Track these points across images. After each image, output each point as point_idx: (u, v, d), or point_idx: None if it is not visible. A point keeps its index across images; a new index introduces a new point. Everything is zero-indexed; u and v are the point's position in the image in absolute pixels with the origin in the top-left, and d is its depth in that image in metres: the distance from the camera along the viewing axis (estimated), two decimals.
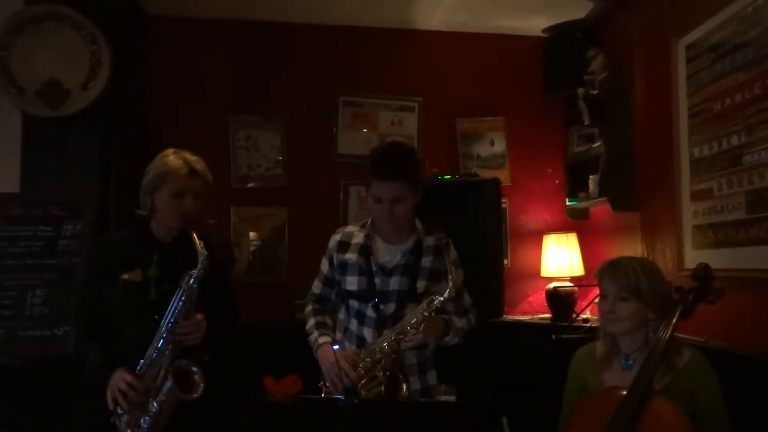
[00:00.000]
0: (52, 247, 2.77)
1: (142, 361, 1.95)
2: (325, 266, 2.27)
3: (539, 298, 3.79)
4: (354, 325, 2.17)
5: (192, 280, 1.95)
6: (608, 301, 1.91)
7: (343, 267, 2.18)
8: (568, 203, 3.83)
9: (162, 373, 1.93)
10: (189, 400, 1.91)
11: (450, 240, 2.18)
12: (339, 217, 3.74)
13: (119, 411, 1.94)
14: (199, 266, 1.95)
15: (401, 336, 2.01)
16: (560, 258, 3.65)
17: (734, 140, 2.46)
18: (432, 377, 2.21)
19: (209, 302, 2.04)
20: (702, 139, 2.67)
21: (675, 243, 2.84)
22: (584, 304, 3.55)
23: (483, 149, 3.90)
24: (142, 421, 1.93)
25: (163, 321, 1.95)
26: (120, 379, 1.92)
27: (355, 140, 3.81)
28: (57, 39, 2.81)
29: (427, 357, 2.20)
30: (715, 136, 2.58)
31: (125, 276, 2.03)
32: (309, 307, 2.29)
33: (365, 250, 2.15)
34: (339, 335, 2.22)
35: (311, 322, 2.23)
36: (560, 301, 3.53)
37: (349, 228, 2.26)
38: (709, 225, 2.62)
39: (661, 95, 2.92)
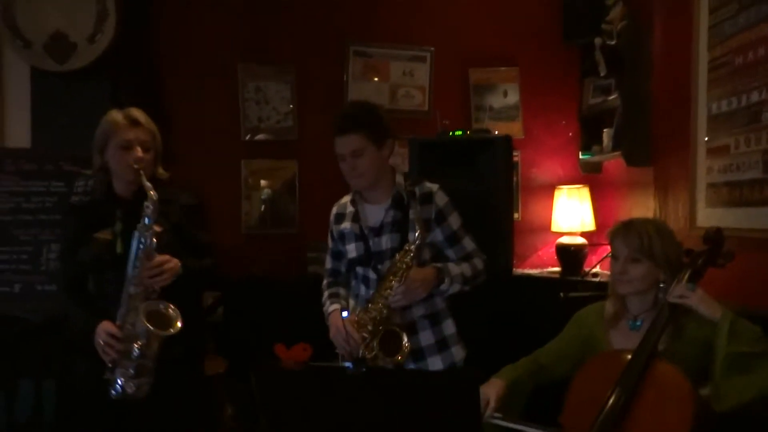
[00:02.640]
0: (65, 202, 2.80)
1: (119, 310, 2.00)
2: (330, 241, 2.32)
3: (549, 252, 3.79)
4: (362, 290, 2.20)
5: (147, 219, 1.98)
6: (620, 262, 1.90)
7: (342, 237, 2.23)
8: (581, 156, 3.78)
9: (139, 317, 1.97)
10: (171, 335, 1.96)
11: (436, 188, 2.19)
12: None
13: (109, 365, 1.99)
14: (150, 206, 1.98)
15: (388, 291, 2.03)
16: (571, 212, 3.62)
17: (754, 96, 2.39)
18: (448, 327, 2.21)
19: (181, 242, 2.12)
20: (721, 93, 2.59)
21: (688, 200, 2.81)
22: (594, 258, 3.56)
23: (496, 101, 3.83)
24: (128, 368, 1.97)
25: (128, 267, 1.99)
26: (102, 332, 1.98)
27: (366, 91, 3.74)
28: None
29: (439, 308, 2.20)
30: (735, 91, 2.50)
31: (96, 235, 2.09)
32: (324, 282, 2.34)
33: (356, 216, 2.19)
34: (352, 302, 2.25)
35: (325, 295, 2.28)
36: (570, 255, 3.53)
37: (343, 199, 2.29)
38: (724, 183, 2.58)
39: (681, 47, 2.83)
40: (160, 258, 2.01)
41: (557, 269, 3.64)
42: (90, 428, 2.17)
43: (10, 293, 2.76)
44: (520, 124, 3.84)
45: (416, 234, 2.04)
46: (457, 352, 2.19)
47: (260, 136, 3.70)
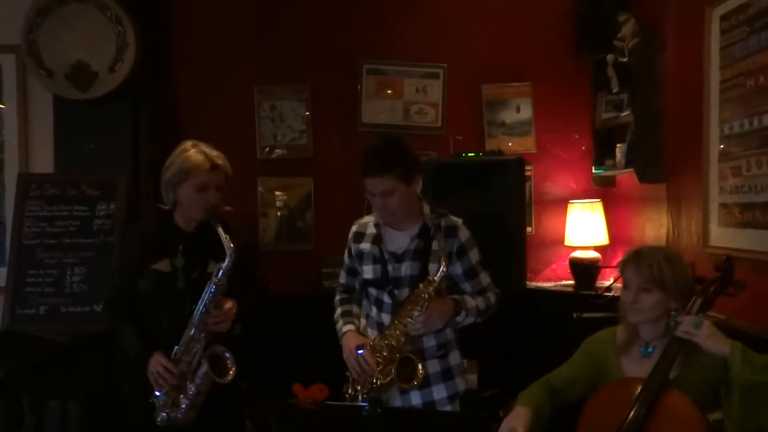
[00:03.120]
0: (88, 226, 2.89)
1: (177, 347, 2.07)
2: (346, 257, 2.35)
3: (563, 266, 3.81)
4: (374, 311, 2.24)
5: (221, 272, 2.06)
6: (631, 292, 1.92)
7: (360, 256, 2.26)
8: (594, 171, 3.79)
9: (197, 358, 2.06)
10: (222, 383, 2.04)
11: (460, 222, 2.22)
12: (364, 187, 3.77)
13: (157, 392, 2.07)
14: (227, 261, 2.05)
15: (407, 319, 2.07)
16: (585, 226, 3.64)
17: (766, 120, 2.40)
18: (454, 357, 2.26)
19: (238, 280, 2.16)
20: (733, 115, 2.60)
21: (701, 218, 2.82)
22: (607, 271, 3.58)
23: (509, 116, 3.85)
24: (181, 402, 2.06)
25: (195, 311, 2.06)
26: (158, 363, 2.06)
27: (380, 109, 3.80)
28: (82, 21, 2.84)
29: (448, 339, 2.25)
30: (747, 113, 2.51)
31: (154, 266, 2.14)
32: (337, 297, 2.38)
33: (377, 239, 2.21)
34: (363, 322, 2.29)
35: (338, 311, 2.32)
36: (583, 269, 3.55)
37: (365, 219, 2.32)
38: (736, 204, 2.59)
39: (693, 67, 2.84)
40: (225, 307, 2.09)
41: (571, 282, 3.66)
42: None
43: (36, 315, 2.85)
44: (533, 138, 3.87)
45: (441, 266, 2.07)
46: (460, 383, 2.24)
47: (276, 154, 3.76)
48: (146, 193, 2.99)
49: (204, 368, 2.04)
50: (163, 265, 2.14)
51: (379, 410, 1.31)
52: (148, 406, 2.10)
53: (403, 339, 2.08)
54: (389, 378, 2.05)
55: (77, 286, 2.82)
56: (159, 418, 2.07)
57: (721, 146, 2.68)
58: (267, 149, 3.75)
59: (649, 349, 1.94)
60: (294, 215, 3.79)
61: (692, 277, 1.98)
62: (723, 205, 2.68)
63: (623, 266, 1.98)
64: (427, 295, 2.07)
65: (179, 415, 2.06)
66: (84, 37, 2.85)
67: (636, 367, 1.94)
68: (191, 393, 2.06)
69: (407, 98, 3.82)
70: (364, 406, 1.34)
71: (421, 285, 2.09)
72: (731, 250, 2.56)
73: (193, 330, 2.06)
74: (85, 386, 2.71)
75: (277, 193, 3.80)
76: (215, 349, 2.06)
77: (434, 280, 2.07)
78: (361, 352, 2.03)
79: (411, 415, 1.58)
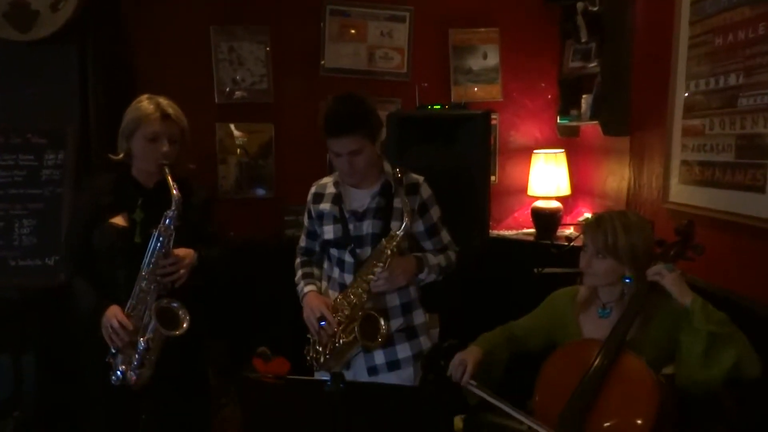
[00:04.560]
0: (35, 176, 2.74)
1: (129, 301, 2.03)
2: (306, 219, 2.31)
3: (525, 214, 3.85)
4: (336, 272, 2.21)
5: (168, 221, 2.01)
6: (586, 257, 1.97)
7: (320, 217, 2.22)
8: (559, 121, 3.77)
9: (147, 312, 2.02)
10: (175, 336, 1.99)
11: (421, 179, 2.20)
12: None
13: (112, 350, 2.03)
14: (173, 207, 2.00)
15: (370, 276, 2.06)
16: (548, 177, 3.65)
17: (731, 80, 2.38)
18: (419, 316, 2.27)
19: (197, 239, 2.13)
20: (700, 72, 2.59)
21: (662, 174, 2.84)
22: (568, 221, 3.63)
23: (475, 63, 3.77)
24: (133, 359, 2.02)
25: (143, 262, 2.01)
26: (113, 317, 2.01)
27: (343, 53, 3.66)
28: None
29: (412, 297, 2.25)
30: (713, 72, 2.49)
31: (112, 221, 2.08)
32: (297, 260, 2.35)
33: (336, 198, 2.18)
34: (324, 285, 2.27)
35: (299, 273, 2.29)
36: (545, 219, 3.59)
37: (324, 180, 2.28)
38: (698, 162, 2.61)
39: (663, 20, 2.79)
40: (175, 256, 2.03)
41: (532, 231, 3.70)
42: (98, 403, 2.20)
43: None
44: (499, 86, 3.81)
45: (404, 221, 2.05)
46: (425, 342, 2.26)
47: (235, 99, 3.62)
48: (97, 142, 2.84)
49: (153, 322, 1.99)
50: (119, 220, 2.07)
51: (342, 385, 1.31)
52: (106, 366, 2.05)
53: (365, 297, 2.07)
54: (352, 336, 2.05)
55: (26, 238, 2.70)
56: (113, 378, 2.03)
57: (686, 103, 2.67)
58: (225, 93, 3.60)
59: (606, 311, 1.99)
60: (254, 162, 3.69)
61: (652, 243, 2.00)
62: (684, 162, 2.70)
63: (584, 230, 2.00)
64: (389, 251, 2.05)
65: (133, 374, 2.01)
66: None
67: (593, 327, 1.99)
68: (141, 348, 2.01)
69: (371, 42, 3.68)
70: (327, 380, 1.34)
71: (383, 240, 2.07)
72: (690, 207, 2.61)
73: (143, 282, 2.01)
74: (39, 341, 2.65)
75: (236, 135, 3.68)
76: (161, 302, 2.00)
77: (396, 235, 2.05)
78: (323, 324, 2.02)
79: (374, 390, 1.59)
